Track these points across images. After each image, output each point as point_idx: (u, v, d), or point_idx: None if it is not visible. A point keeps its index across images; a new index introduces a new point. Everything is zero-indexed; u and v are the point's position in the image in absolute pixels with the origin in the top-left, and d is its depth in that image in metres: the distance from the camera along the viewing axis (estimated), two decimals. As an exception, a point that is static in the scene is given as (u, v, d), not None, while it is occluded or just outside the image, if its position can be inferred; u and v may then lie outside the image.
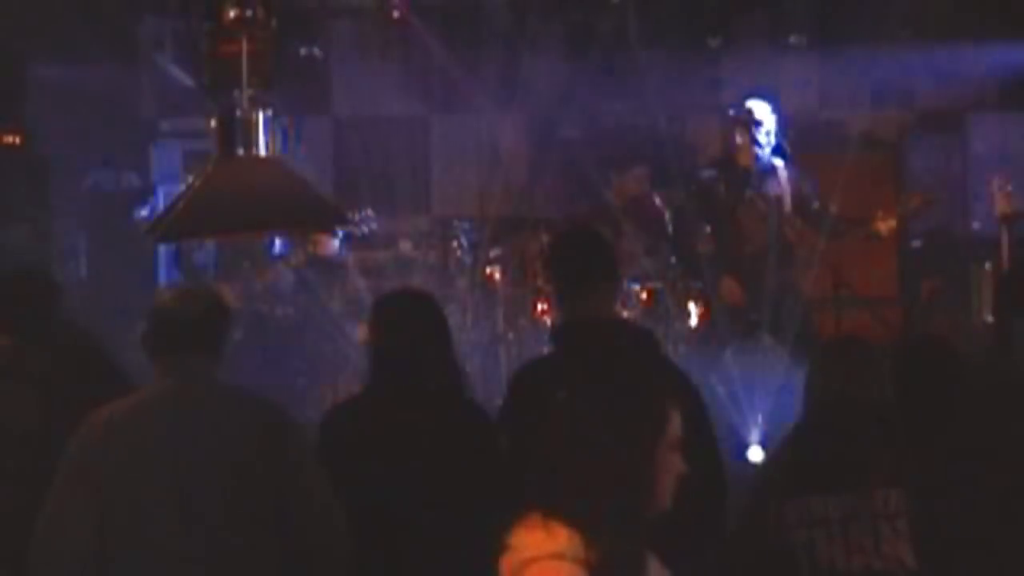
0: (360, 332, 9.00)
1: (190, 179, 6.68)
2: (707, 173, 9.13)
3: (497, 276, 9.67)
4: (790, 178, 8.87)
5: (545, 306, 8.92)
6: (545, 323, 8.87)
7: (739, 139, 8.90)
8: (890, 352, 4.89)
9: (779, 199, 8.85)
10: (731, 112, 9.13)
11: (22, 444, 5.09)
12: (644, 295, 9.13)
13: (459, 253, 9.89)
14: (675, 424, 3.05)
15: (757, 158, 8.83)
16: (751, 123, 8.82)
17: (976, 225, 10.78)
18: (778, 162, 8.87)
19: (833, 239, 8.81)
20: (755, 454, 7.93)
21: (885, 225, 8.85)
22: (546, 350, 8.75)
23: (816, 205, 8.86)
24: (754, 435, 8.06)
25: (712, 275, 8.94)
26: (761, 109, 8.85)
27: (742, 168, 8.87)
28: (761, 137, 8.81)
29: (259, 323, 9.17)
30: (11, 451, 5.10)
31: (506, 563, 3.05)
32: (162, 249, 10.63)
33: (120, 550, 4.21)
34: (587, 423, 3.02)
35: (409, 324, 4.82)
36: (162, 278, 10.65)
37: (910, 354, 4.87)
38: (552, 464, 3.05)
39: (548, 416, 3.11)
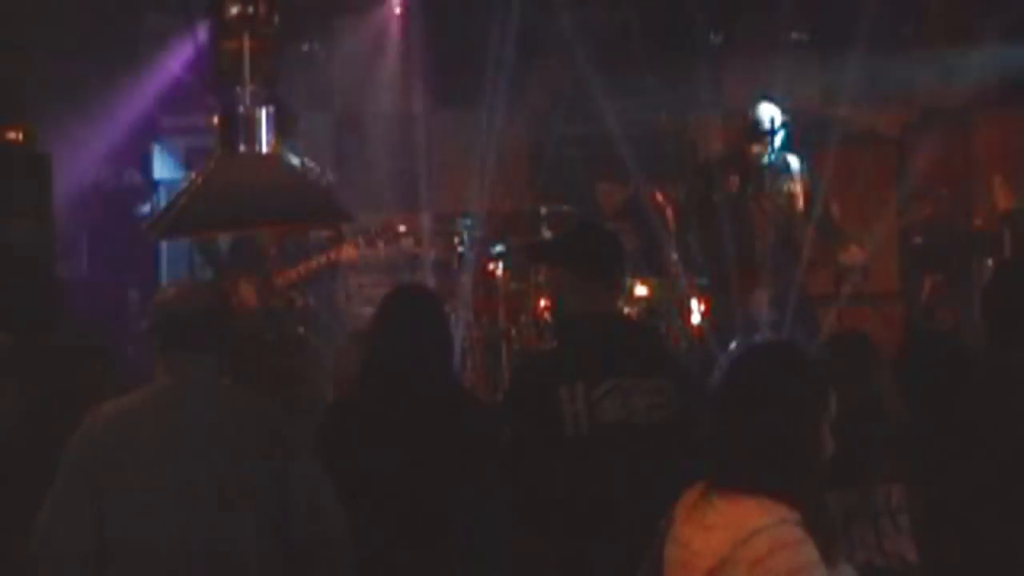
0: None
1: (192, 176, 6.68)
2: (718, 169, 9.12)
3: (499, 272, 9.67)
4: (804, 178, 8.87)
5: (546, 302, 8.91)
6: (547, 319, 8.86)
7: (746, 140, 8.88)
8: (893, 348, 4.88)
9: (791, 197, 8.84)
10: (743, 114, 9.11)
11: (5, 441, 5.09)
12: (647, 291, 9.13)
13: (460, 249, 9.88)
14: (833, 406, 3.31)
15: (769, 156, 8.81)
16: (760, 127, 8.79)
17: (978, 222, 10.78)
18: (793, 160, 8.87)
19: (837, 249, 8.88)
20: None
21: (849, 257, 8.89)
22: (547, 345, 8.81)
23: (820, 213, 8.86)
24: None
25: (717, 273, 8.93)
26: (770, 112, 8.82)
27: (753, 165, 8.86)
28: (770, 139, 8.78)
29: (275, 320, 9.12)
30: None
31: (712, 542, 3.10)
32: (164, 245, 10.62)
33: (119, 548, 4.21)
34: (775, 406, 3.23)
35: (407, 321, 4.82)
36: (164, 276, 10.64)
37: (914, 350, 4.87)
38: (741, 442, 3.19)
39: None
